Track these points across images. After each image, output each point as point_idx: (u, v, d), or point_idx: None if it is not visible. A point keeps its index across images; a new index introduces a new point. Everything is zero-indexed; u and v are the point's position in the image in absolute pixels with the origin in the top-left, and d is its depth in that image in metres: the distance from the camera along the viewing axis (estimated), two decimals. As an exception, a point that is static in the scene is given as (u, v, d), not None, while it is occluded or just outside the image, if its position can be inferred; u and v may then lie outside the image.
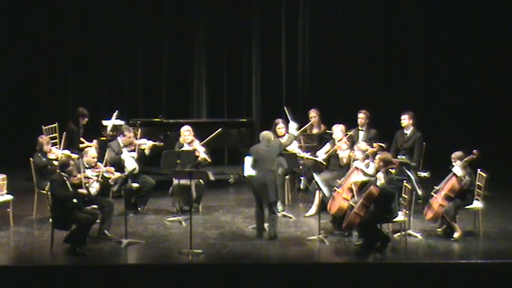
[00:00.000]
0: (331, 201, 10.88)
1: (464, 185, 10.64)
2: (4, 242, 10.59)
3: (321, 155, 12.02)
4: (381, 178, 10.11)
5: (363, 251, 10.18)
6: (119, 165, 11.50)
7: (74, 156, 11.74)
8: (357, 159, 10.89)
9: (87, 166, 10.87)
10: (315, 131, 13.42)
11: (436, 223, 10.98)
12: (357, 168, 10.81)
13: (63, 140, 12.35)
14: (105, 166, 10.90)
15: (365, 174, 10.66)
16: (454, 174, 10.66)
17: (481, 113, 15.63)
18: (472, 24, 15.59)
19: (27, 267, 9.64)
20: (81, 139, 13.12)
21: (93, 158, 10.96)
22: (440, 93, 15.91)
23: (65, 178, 10.12)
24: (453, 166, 10.72)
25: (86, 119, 13.30)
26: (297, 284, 9.59)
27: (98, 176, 10.66)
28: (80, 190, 10.18)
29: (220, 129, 12.50)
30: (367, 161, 10.91)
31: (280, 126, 12.43)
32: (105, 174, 10.81)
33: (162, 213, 12.08)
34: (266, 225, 10.84)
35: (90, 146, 12.35)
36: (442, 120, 15.79)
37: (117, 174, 11.00)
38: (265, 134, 11.00)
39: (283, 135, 12.44)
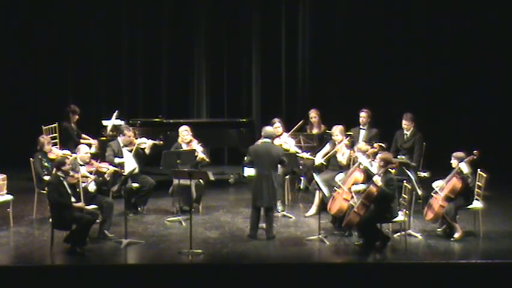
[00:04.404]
0: (331, 201, 10.87)
1: (470, 183, 10.64)
2: (4, 242, 10.59)
3: (318, 159, 11.98)
4: (378, 181, 10.11)
5: (363, 251, 10.19)
6: (115, 166, 11.48)
7: (74, 156, 11.73)
8: (361, 161, 10.83)
9: (81, 163, 10.88)
10: (315, 131, 13.43)
11: (436, 223, 10.99)
12: (358, 168, 10.80)
13: (59, 140, 12.39)
14: (99, 163, 10.92)
15: (369, 171, 10.64)
16: (457, 173, 10.65)
17: (482, 113, 15.62)
18: (472, 24, 15.58)
19: (27, 267, 9.63)
20: (83, 135, 13.12)
21: (86, 153, 10.98)
22: (441, 93, 15.90)
23: (62, 178, 10.12)
24: (455, 166, 10.72)
25: (77, 116, 13.30)
26: (297, 284, 9.59)
27: (92, 172, 10.68)
28: (76, 204, 10.13)
29: (201, 144, 12.44)
30: (369, 159, 10.91)
31: (277, 126, 12.43)
32: (100, 169, 10.82)
33: (162, 213, 12.08)
34: (264, 225, 10.84)
35: (91, 145, 12.36)
36: (442, 120, 15.79)
37: (112, 169, 11.00)
38: (269, 130, 10.98)
39: (281, 135, 12.46)
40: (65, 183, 10.12)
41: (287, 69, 16.36)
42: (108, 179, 10.94)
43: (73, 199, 10.16)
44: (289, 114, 15.72)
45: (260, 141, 10.97)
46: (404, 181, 10.58)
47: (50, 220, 10.39)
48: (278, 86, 16.35)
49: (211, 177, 10.79)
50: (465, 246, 10.44)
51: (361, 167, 10.79)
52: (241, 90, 16.44)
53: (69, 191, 10.13)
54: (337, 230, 10.92)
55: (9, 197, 11.26)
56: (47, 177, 11.12)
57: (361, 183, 10.60)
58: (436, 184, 10.88)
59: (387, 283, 9.61)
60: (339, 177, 11.12)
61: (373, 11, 15.95)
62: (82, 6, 15.98)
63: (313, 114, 13.57)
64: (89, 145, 12.25)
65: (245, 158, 10.97)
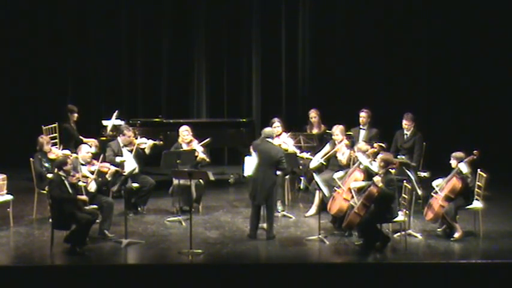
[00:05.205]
0: (331, 201, 10.87)
1: (470, 183, 10.64)
2: (4, 242, 10.59)
3: (314, 162, 11.96)
4: (378, 182, 10.11)
5: (363, 251, 10.19)
6: (115, 166, 11.47)
7: (74, 156, 11.72)
8: (361, 161, 10.83)
9: (82, 163, 10.89)
10: (315, 131, 13.43)
11: (436, 223, 10.99)
12: (358, 167, 10.80)
13: (59, 140, 12.41)
14: (101, 163, 10.93)
15: (369, 170, 10.64)
16: (457, 173, 10.65)
17: (481, 113, 15.63)
18: (472, 24, 15.58)
19: (27, 267, 9.64)
20: (81, 138, 13.13)
21: (87, 153, 11.01)
22: (441, 93, 15.90)
23: (64, 178, 10.13)
24: (455, 167, 10.71)
25: (76, 115, 13.34)
26: (297, 284, 9.59)
27: (93, 172, 10.70)
28: (80, 197, 10.17)
29: (208, 139, 12.48)
30: (369, 159, 10.92)
31: (276, 125, 12.41)
32: (102, 169, 10.84)
33: (162, 213, 12.08)
34: (265, 225, 10.85)
35: (91, 145, 12.36)
36: (442, 120, 15.79)
37: (113, 169, 11.02)
38: (268, 131, 11.00)
39: (280, 134, 12.45)
40: (66, 182, 10.13)
41: (287, 69, 16.36)
42: (109, 179, 10.95)
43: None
44: (289, 114, 15.72)
45: (261, 139, 10.97)
46: (404, 181, 10.58)
47: (50, 220, 10.40)
48: (278, 86, 16.35)
49: (211, 177, 10.80)
50: (465, 246, 10.44)
51: (361, 166, 10.80)
52: (241, 90, 16.44)
53: (70, 190, 10.13)
54: (337, 230, 10.92)
55: (9, 197, 11.26)
56: (50, 175, 11.11)
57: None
58: (436, 183, 10.88)
59: (387, 283, 9.61)
60: (338, 174, 11.13)
61: (373, 10, 15.94)
62: (82, 6, 15.98)
63: (313, 114, 13.57)
64: (90, 145, 12.25)
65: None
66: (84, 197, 10.23)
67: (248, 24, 16.27)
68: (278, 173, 11.04)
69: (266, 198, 10.68)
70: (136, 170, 11.71)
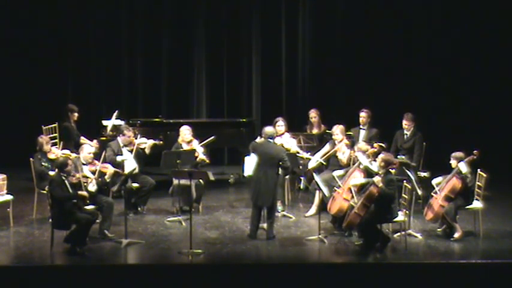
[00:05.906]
0: (331, 201, 10.87)
1: (469, 183, 10.64)
2: (4, 242, 10.59)
3: (312, 162, 11.95)
4: (379, 182, 10.10)
5: (363, 251, 10.19)
6: (116, 166, 11.47)
7: (74, 156, 11.72)
8: (361, 161, 10.84)
9: (84, 163, 10.90)
10: (315, 131, 13.44)
11: (436, 223, 10.99)
12: (358, 167, 10.81)
13: (59, 140, 12.42)
14: (102, 163, 10.94)
15: (369, 170, 10.64)
16: (457, 173, 10.65)
17: (482, 112, 15.62)
18: (472, 24, 15.58)
19: (27, 267, 9.64)
20: (82, 138, 13.13)
21: (89, 153, 11.01)
22: (441, 93, 15.90)
23: (64, 178, 10.13)
24: (455, 167, 10.71)
25: (76, 114, 13.34)
26: (297, 284, 9.59)
27: (94, 172, 10.70)
28: (80, 192, 10.20)
29: (213, 137, 12.50)
30: (369, 159, 10.92)
31: (279, 124, 12.42)
32: (103, 170, 10.85)
33: (162, 213, 12.08)
34: (265, 225, 10.85)
35: (91, 146, 12.36)
36: (442, 120, 15.78)
37: (113, 170, 11.02)
38: (269, 130, 10.98)
39: (283, 134, 12.45)
40: (66, 182, 10.14)
41: (287, 69, 16.36)
42: (108, 180, 10.94)
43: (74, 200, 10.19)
44: (290, 114, 15.71)
45: (261, 139, 10.97)
46: (404, 181, 10.58)
47: (50, 220, 10.40)
48: (278, 86, 16.35)
49: (211, 177, 10.80)
50: (465, 246, 10.44)
51: (361, 166, 10.80)
52: (241, 90, 16.44)
53: (70, 190, 10.14)
54: (337, 230, 10.93)
55: (9, 197, 11.26)
56: (52, 172, 11.10)
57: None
58: (436, 181, 10.88)
59: (387, 283, 9.61)
60: (337, 172, 11.13)
61: (373, 11, 15.94)
62: (82, 5, 15.98)
63: (313, 114, 13.58)
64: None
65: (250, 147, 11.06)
66: (84, 193, 10.25)
67: (248, 24, 16.27)
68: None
69: (271, 199, 10.67)
70: (137, 170, 11.71)
